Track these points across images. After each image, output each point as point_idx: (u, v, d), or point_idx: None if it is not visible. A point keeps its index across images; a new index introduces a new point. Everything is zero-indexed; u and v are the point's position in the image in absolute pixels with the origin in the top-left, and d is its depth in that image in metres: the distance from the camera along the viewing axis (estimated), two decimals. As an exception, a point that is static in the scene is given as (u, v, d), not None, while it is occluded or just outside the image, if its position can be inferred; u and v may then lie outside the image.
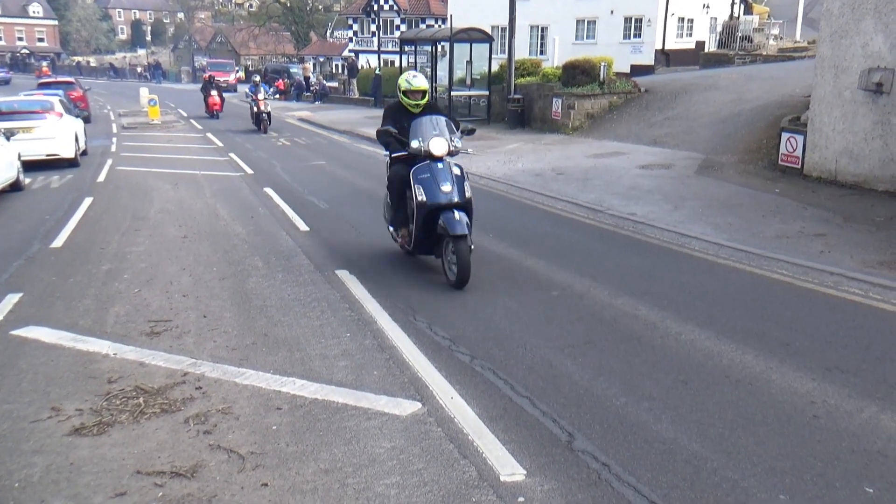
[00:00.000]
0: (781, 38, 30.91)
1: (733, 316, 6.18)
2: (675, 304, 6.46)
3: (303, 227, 9.78)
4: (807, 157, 12.39)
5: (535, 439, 4.16)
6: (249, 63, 73.70)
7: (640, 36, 30.29)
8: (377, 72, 33.57)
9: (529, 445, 4.09)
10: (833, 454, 3.97)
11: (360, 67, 41.55)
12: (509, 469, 3.84)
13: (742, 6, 34.20)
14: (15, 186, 12.79)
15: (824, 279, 7.25)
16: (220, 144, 20.39)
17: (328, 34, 69.06)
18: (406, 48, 26.57)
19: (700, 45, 30.87)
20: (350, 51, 53.64)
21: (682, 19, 30.78)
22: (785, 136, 12.95)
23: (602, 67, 19.92)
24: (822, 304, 6.59)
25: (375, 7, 42.41)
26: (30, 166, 14.43)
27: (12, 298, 6.72)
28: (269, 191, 12.63)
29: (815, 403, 4.56)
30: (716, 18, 31.86)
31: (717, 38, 31.21)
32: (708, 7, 31.54)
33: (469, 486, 3.70)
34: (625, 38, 30.68)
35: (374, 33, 42.78)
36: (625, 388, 4.80)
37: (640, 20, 30.11)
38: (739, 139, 15.01)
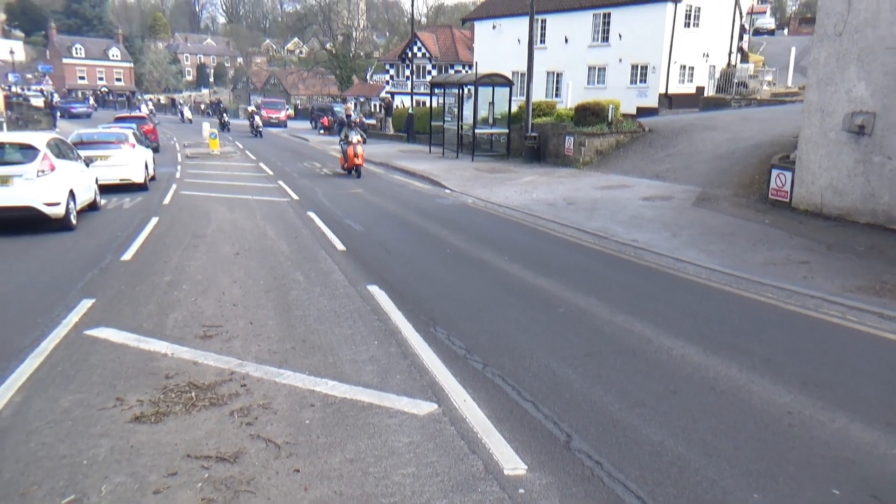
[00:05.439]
0: (774, 84, 30.73)
1: (721, 333, 6.16)
2: (668, 322, 6.46)
3: (340, 246, 9.91)
4: (795, 191, 12.30)
5: (537, 439, 4.20)
6: (298, 102, 74.86)
7: (645, 81, 30.29)
8: (410, 111, 33.97)
9: (531, 444, 4.13)
10: (805, 459, 3.96)
11: (395, 107, 42.04)
12: (512, 464, 3.89)
13: (739, 55, 34.06)
14: (92, 206, 13.15)
15: (806, 302, 7.20)
16: (270, 173, 20.75)
17: (368, 77, 70.06)
18: (436, 90, 26.87)
19: (700, 89, 30.79)
20: (387, 92, 54.29)
21: (684, 67, 30.73)
22: (775, 172, 12.87)
23: (610, 109, 19.99)
24: (803, 324, 6.54)
25: (410, 54, 43.02)
26: (105, 189, 14.84)
27: (87, 303, 6.92)
28: (311, 214, 12.82)
29: (791, 413, 4.54)
30: (714, 66, 31.79)
31: (716, 83, 31.13)
32: (707, 56, 31.47)
33: (476, 478, 3.75)
34: (632, 82, 30.70)
35: (408, 77, 43.35)
36: (619, 396, 4.82)
37: (646, 67, 30.13)
38: (734, 174, 14.93)
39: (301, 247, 9.94)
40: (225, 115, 47.76)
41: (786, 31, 61.36)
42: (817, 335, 6.20)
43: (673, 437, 4.23)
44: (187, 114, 48.10)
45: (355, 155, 19.01)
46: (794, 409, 4.61)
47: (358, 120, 39.84)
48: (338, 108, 47.33)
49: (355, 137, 19.12)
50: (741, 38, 35.43)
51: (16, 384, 4.92)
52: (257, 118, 40.42)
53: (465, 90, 23.72)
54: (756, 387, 4.97)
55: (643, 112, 28.15)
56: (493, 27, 36.75)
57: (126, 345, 5.78)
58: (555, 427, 4.35)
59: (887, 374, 5.28)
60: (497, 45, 35.88)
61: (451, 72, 44.67)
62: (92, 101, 70.66)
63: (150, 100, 74.29)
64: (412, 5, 39.47)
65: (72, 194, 11.31)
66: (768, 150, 15.40)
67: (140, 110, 56.48)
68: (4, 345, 5.73)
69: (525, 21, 22.95)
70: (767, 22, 58.51)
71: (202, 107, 77.04)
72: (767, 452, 4.03)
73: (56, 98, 65.62)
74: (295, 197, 15.44)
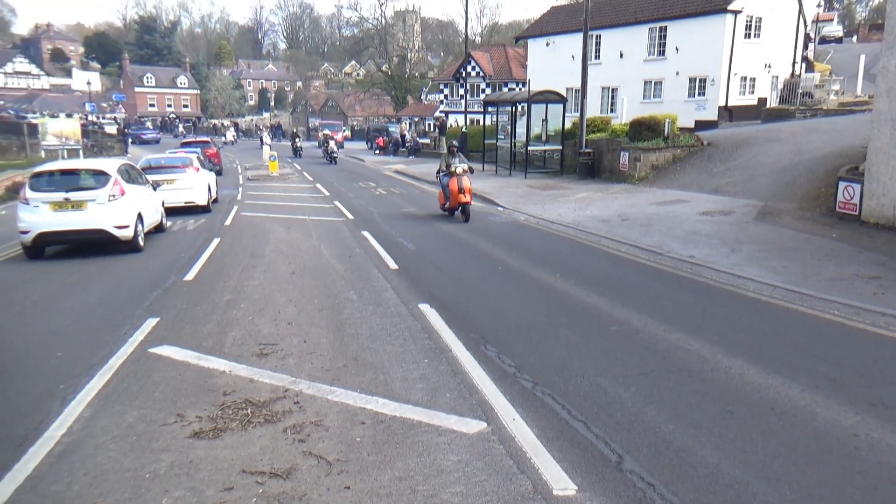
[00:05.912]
0: (842, 93, 29.57)
1: (782, 352, 5.95)
2: (726, 340, 6.28)
3: (393, 265, 10.05)
4: (864, 204, 11.79)
5: (588, 459, 4.15)
6: (355, 123, 76.43)
7: (703, 94, 29.64)
8: (463, 129, 34.20)
9: (582, 464, 4.08)
10: (872, 485, 3.77)
11: (449, 126, 42.43)
12: (562, 484, 3.85)
13: (803, 65, 32.96)
14: (159, 228, 13.76)
15: (876, 319, 6.87)
16: (327, 193, 21.23)
17: (423, 97, 71.03)
18: (489, 109, 27.02)
19: (762, 101, 29.90)
20: (441, 111, 54.92)
21: (745, 78, 29.92)
22: (842, 184, 12.37)
23: (666, 123, 19.66)
24: (871, 342, 6.24)
25: (464, 73, 43.41)
26: (171, 212, 15.49)
27: (151, 322, 7.23)
28: (365, 233, 13.04)
29: (857, 436, 4.34)
30: (777, 77, 30.86)
31: (779, 94, 30.19)
32: (770, 66, 30.56)
33: (525, 498, 3.73)
34: (689, 96, 30.09)
35: (462, 96, 43.73)
36: (673, 416, 4.71)
37: (705, 80, 29.50)
38: (798, 187, 14.42)
39: (355, 266, 10.12)
40: (297, 139, 43.90)
41: (854, 38, 59.11)
42: (887, 354, 5.90)
43: (730, 459, 4.10)
44: (266, 139, 48.97)
45: (460, 190, 14.12)
46: (861, 431, 4.40)
47: (411, 139, 40.44)
48: (393, 129, 48.14)
49: (460, 167, 14.31)
50: (806, 47, 34.29)
51: (85, 400, 5.18)
52: (331, 143, 36.50)
53: (519, 108, 23.77)
54: (820, 408, 4.78)
55: (702, 125, 27.54)
56: (547, 44, 36.74)
57: (187, 362, 6.00)
58: (606, 447, 4.29)
59: (965, 396, 4.98)
60: (551, 62, 35.85)
61: (505, 90, 44.86)
62: (181, 128, 73.38)
63: (234, 125, 77.24)
64: (466, 25, 39.91)
65: (140, 217, 11.87)
66: (835, 162, 14.81)
67: (226, 137, 59.72)
68: (77, 362, 6.04)
69: (579, 37, 22.88)
70: (835, 29, 56.48)
71: (259, 130, 79.53)
72: (831, 477, 3.86)
73: (158, 121, 69.59)
74: (350, 216, 15.74)
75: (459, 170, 14.27)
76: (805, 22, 32.97)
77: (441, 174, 14.96)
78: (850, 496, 3.67)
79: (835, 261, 9.43)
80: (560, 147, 23.14)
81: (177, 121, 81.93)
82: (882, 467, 3.95)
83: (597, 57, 33.33)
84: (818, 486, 3.77)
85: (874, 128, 11.73)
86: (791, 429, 4.47)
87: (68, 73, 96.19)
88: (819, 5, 43.34)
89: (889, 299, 7.54)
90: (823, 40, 49.93)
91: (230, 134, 62.05)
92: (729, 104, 29.32)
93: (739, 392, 5.11)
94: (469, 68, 48.26)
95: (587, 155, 21.08)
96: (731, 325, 6.83)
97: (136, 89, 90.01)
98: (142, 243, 11.82)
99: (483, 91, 49.79)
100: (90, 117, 61.89)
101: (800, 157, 16.56)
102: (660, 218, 13.43)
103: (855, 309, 7.22)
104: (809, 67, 33.18)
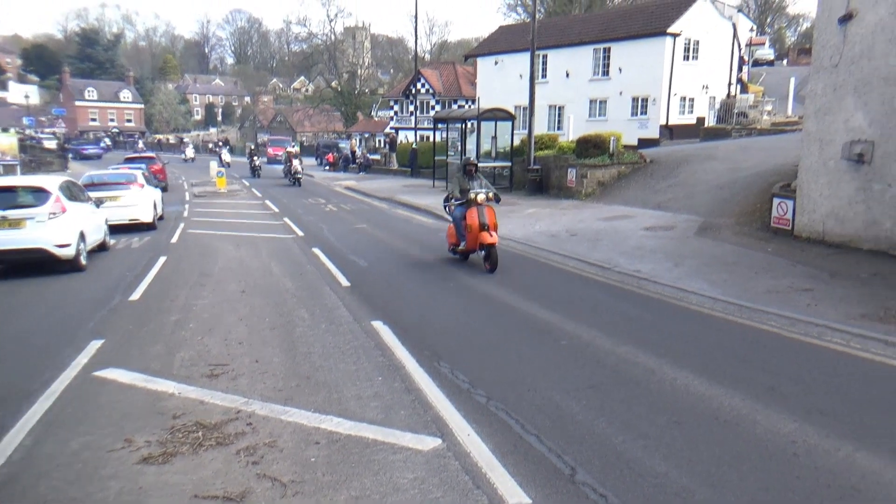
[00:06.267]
0: (774, 114, 31.00)
1: (724, 363, 6.16)
2: (672, 353, 6.47)
3: (344, 282, 9.98)
4: (797, 219, 12.34)
5: (541, 472, 4.21)
6: (304, 139, 75.77)
7: (646, 113, 30.63)
8: (414, 146, 34.37)
9: (536, 477, 4.14)
10: (810, 489, 3.95)
11: (399, 142, 42.52)
12: (517, 498, 3.89)
13: (738, 86, 34.44)
14: (102, 247, 13.32)
15: (809, 330, 7.19)
16: (276, 210, 20.94)
17: (373, 113, 71.05)
18: (440, 125, 27.23)
19: (700, 120, 31.06)
20: (391, 128, 55.00)
21: (684, 98, 31.08)
22: (776, 201, 12.93)
23: (612, 141, 20.19)
24: (806, 352, 6.53)
25: (414, 90, 43.71)
26: (115, 229, 15.01)
27: (95, 344, 6.99)
28: (316, 251, 12.92)
29: (795, 443, 4.53)
30: (714, 97, 32.13)
31: (716, 114, 31.43)
32: (707, 87, 31.83)
33: (480, 513, 3.76)
34: (632, 115, 31.05)
35: (412, 113, 43.95)
36: (623, 428, 4.83)
37: (647, 99, 30.50)
38: (735, 203, 14.99)
39: (306, 283, 10.01)
40: (255, 158, 38.60)
41: (785, 61, 62.08)
42: (821, 363, 6.19)
43: (677, 468, 4.22)
44: (226, 157, 44.33)
45: (482, 226, 10.27)
46: (798, 438, 4.60)
47: (362, 155, 40.24)
48: (343, 145, 47.91)
49: (481, 194, 10.58)
50: (740, 69, 35.86)
51: (26, 427, 4.97)
52: (295, 162, 31.23)
53: (468, 125, 24.02)
54: (760, 416, 4.97)
55: (644, 143, 28.40)
56: (496, 63, 37.37)
57: (134, 385, 5.83)
58: (559, 460, 4.35)
59: (892, 401, 5.27)
60: (499, 81, 36.46)
61: (455, 107, 45.26)
62: (141, 143, 70.95)
63: (191, 140, 75.37)
64: (416, 43, 40.27)
65: (82, 236, 11.47)
66: (769, 179, 15.47)
67: (185, 154, 58.38)
68: (16, 387, 5.79)
69: (527, 57, 23.38)
70: (766, 53, 59.20)
71: (210, 146, 78.02)
72: (772, 482, 4.02)
73: (108, 136, 67.02)
74: (300, 233, 15.56)
75: (480, 198, 10.47)
76: (739, 45, 34.49)
77: (453, 202, 11.06)
78: (789, 500, 3.82)
79: (771, 274, 9.83)
80: (509, 164, 23.47)
81: (136, 135, 79.69)
82: (819, 472, 4.14)
83: (544, 76, 34.07)
84: (760, 492, 3.92)
85: (804, 147, 12.33)
86: (734, 437, 4.64)
87: (4, 86, 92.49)
88: (752, 30, 45.37)
89: (821, 310, 7.90)
90: (756, 63, 52.25)
91: (189, 151, 60.27)
92: (670, 123, 30.36)
93: (685, 402, 5.27)
94: (419, 85, 48.59)
95: (536, 171, 21.43)
96: (676, 337, 7.04)
97: (77, 103, 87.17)
98: (84, 263, 11.42)
99: (433, 108, 50.11)
100: (28, 132, 59.57)
101: (737, 175, 17.23)
102: (606, 233, 13.76)
103: (790, 320, 7.54)
104: (744, 89, 34.67)
